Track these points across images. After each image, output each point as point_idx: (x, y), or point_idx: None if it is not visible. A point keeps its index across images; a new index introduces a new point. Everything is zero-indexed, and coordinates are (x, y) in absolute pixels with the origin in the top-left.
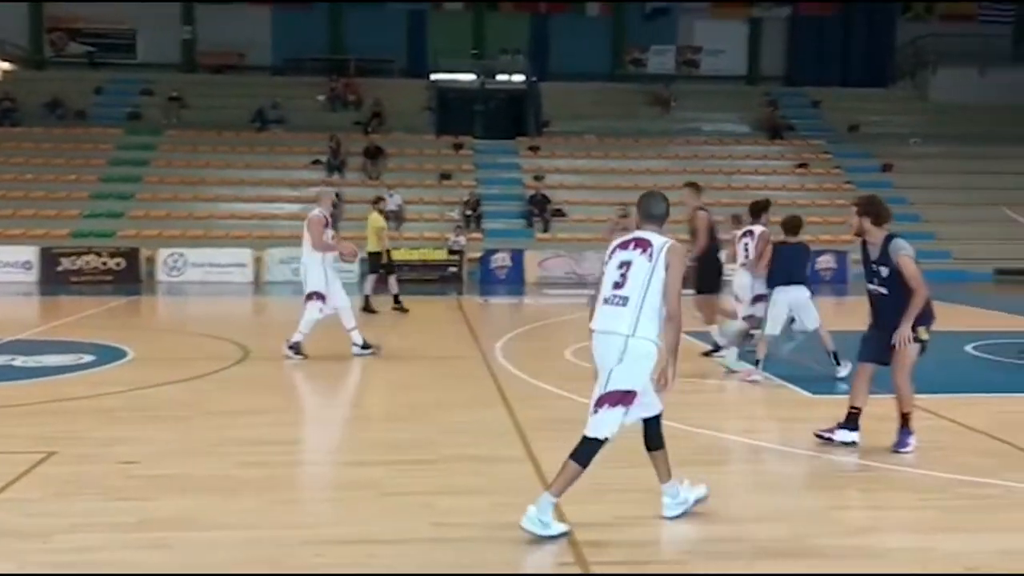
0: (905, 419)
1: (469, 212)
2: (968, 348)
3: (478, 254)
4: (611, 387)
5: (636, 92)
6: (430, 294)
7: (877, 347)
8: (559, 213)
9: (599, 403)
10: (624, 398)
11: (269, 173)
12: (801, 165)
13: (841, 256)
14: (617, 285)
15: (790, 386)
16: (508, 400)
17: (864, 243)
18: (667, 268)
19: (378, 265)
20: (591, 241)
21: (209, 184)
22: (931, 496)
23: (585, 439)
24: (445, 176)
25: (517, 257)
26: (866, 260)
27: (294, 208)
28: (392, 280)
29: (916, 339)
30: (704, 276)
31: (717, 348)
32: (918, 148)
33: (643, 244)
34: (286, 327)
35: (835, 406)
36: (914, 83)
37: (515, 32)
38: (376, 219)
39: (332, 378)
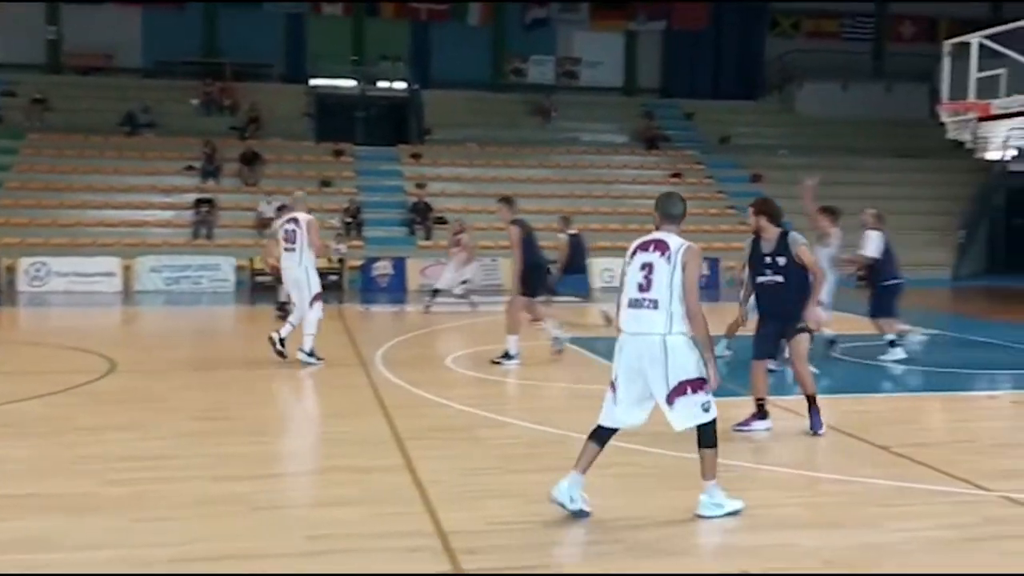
0: (811, 401)
1: (350, 219)
2: (830, 351)
3: (359, 262)
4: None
5: (517, 101)
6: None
7: (768, 343)
8: (441, 221)
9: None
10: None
11: (139, 179)
12: (676, 175)
13: (713, 263)
14: (642, 288)
15: None
16: (387, 409)
17: (756, 239)
18: (684, 269)
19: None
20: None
21: (76, 190)
22: (796, 494)
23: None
24: (325, 183)
25: (399, 265)
26: (759, 255)
27: (166, 215)
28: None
29: (805, 328)
30: (526, 281)
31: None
32: (785, 159)
33: (662, 246)
34: (156, 338)
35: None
36: (781, 97)
37: (396, 39)
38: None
39: (203, 390)
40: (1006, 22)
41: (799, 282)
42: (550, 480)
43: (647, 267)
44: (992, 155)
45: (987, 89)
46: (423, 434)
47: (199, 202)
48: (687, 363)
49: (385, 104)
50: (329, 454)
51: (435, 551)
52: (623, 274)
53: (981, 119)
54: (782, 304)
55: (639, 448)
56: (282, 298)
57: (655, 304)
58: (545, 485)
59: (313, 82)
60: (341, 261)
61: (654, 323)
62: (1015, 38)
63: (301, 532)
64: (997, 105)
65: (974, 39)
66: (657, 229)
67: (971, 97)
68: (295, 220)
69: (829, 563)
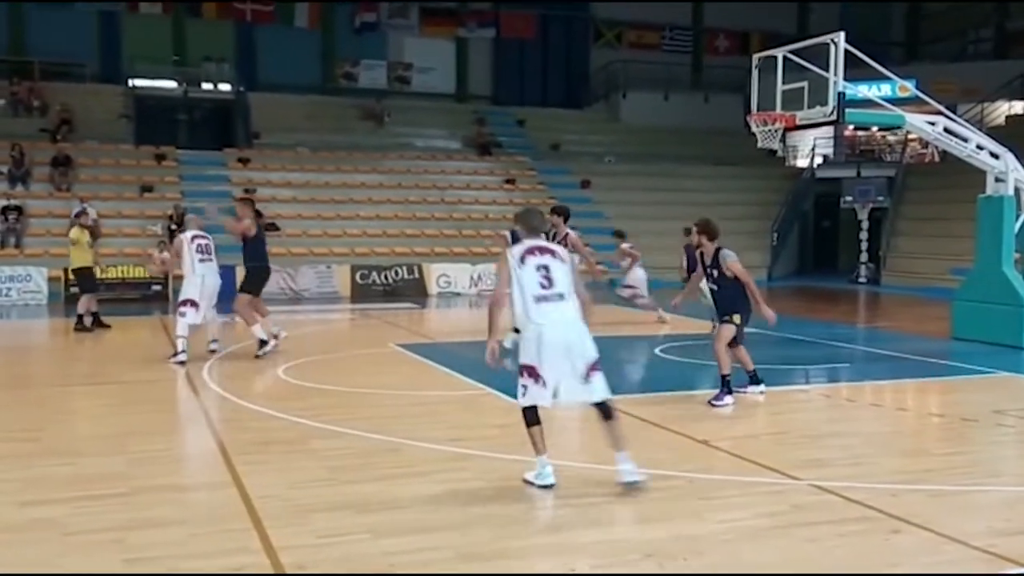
0: (724, 381)
1: (174, 227)
2: (657, 351)
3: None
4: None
5: (348, 106)
6: (131, 314)
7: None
8: (272, 227)
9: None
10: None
11: None
12: (509, 181)
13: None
14: (543, 286)
15: (496, 393)
16: (213, 423)
17: (701, 254)
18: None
19: (90, 282)
20: (305, 256)
21: None
22: (621, 489)
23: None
24: (146, 188)
25: (227, 273)
26: (704, 265)
27: None
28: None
29: (730, 321)
30: (249, 278)
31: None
32: (611, 166)
33: (549, 250)
34: None
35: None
36: (607, 105)
37: (220, 40)
38: (76, 234)
39: (11, 409)
40: (811, 37)
41: (731, 287)
42: (383, 489)
43: (544, 268)
44: (801, 163)
45: (793, 101)
46: (251, 448)
47: (6, 209)
48: (592, 345)
49: (209, 107)
50: (149, 473)
51: (263, 568)
52: (512, 276)
53: (788, 129)
54: (720, 304)
55: (471, 453)
56: (81, 310)
57: (562, 296)
58: (378, 495)
59: (131, 83)
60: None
61: (575, 311)
62: (817, 53)
63: (118, 556)
64: (801, 116)
65: (779, 53)
66: (527, 239)
67: (778, 108)
68: (202, 235)
69: (650, 556)
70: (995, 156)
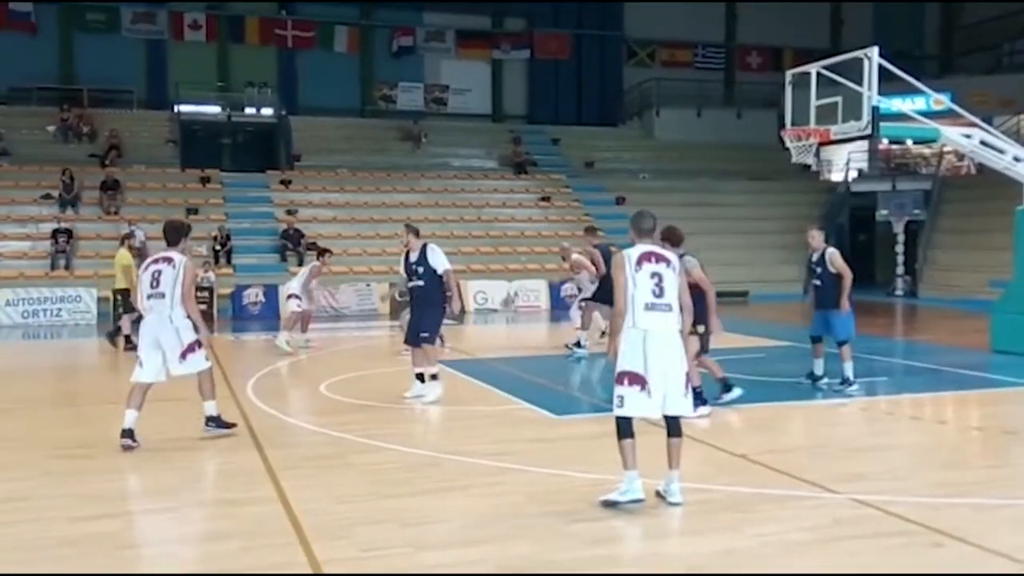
0: (695, 392)
1: (219, 247)
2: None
3: (229, 290)
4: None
5: (387, 128)
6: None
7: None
8: (313, 247)
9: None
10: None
11: None
12: (544, 199)
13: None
14: (656, 294)
15: (534, 408)
16: (258, 439)
17: None
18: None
19: (130, 303)
20: (347, 274)
21: None
22: (660, 504)
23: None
24: (192, 210)
25: (271, 292)
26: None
27: (22, 246)
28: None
29: (694, 332)
30: None
31: None
32: (646, 182)
33: (664, 258)
34: (13, 373)
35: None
36: (641, 123)
37: (262, 65)
38: (124, 256)
39: (64, 427)
40: (844, 52)
41: (695, 296)
42: (424, 504)
43: (657, 276)
44: (835, 177)
45: (827, 116)
46: (295, 463)
47: (57, 232)
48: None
49: (252, 130)
50: (198, 488)
51: None
52: (630, 282)
53: (822, 144)
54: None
55: (511, 467)
56: (127, 330)
57: (669, 307)
58: (419, 509)
59: (177, 108)
60: (210, 290)
61: (674, 323)
62: (850, 67)
63: (171, 569)
64: (835, 131)
65: (813, 68)
66: (638, 243)
67: (812, 123)
68: None
69: (694, 569)
70: None
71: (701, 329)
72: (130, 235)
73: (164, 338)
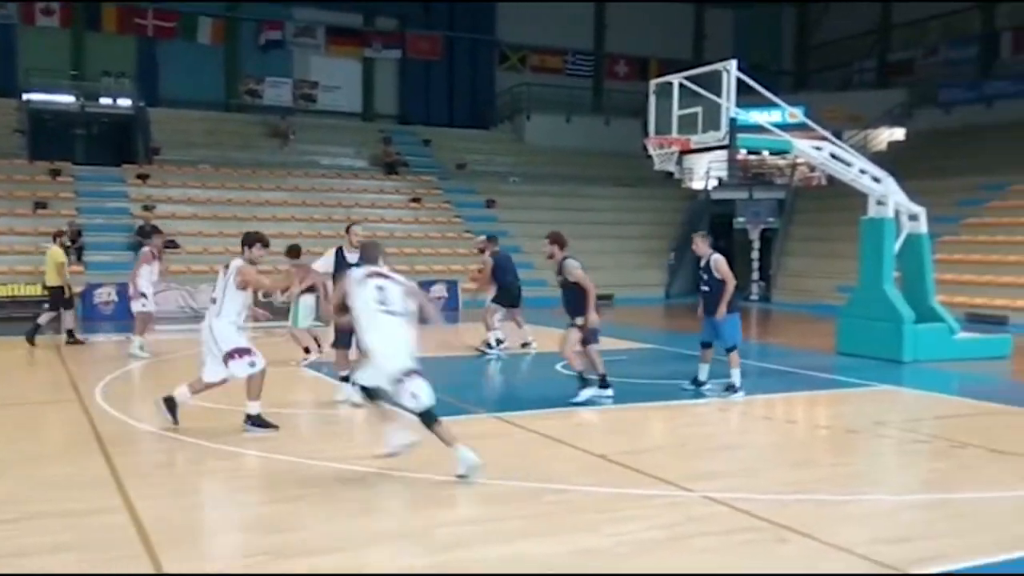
0: (581, 377)
1: (70, 243)
2: (558, 367)
3: (80, 288)
4: None
5: (252, 123)
6: (23, 334)
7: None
8: (172, 245)
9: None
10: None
11: None
12: (415, 200)
13: (452, 285)
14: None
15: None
16: (105, 446)
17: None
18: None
19: (62, 300)
20: (206, 274)
21: None
22: (520, 505)
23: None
24: (40, 205)
25: (124, 291)
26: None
27: None
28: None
29: (574, 324)
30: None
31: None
32: (516, 186)
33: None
34: None
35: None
36: (512, 127)
37: (120, 55)
38: (57, 252)
39: None
40: (706, 64)
41: (574, 293)
42: (280, 511)
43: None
44: (697, 185)
45: (689, 125)
46: (145, 471)
47: None
48: None
49: (108, 122)
50: (37, 498)
51: None
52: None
53: (683, 152)
54: (567, 308)
55: (372, 471)
56: (69, 326)
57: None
58: (274, 516)
59: (26, 96)
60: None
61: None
62: (712, 80)
63: None
64: (695, 140)
65: (675, 79)
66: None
67: (674, 132)
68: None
69: (551, 570)
70: (877, 180)
71: (580, 321)
72: (61, 232)
73: (208, 347)
